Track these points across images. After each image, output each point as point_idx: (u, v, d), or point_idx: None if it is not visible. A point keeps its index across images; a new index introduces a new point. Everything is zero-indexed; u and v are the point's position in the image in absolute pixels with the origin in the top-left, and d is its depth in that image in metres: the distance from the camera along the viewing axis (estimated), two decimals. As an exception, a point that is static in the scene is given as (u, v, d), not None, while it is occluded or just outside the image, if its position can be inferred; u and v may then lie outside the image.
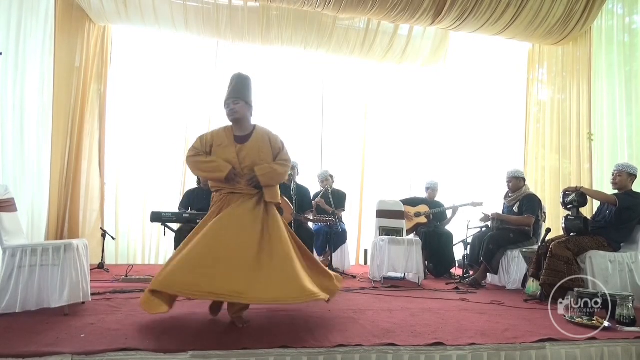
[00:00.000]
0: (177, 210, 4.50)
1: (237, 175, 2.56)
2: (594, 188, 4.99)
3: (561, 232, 3.91)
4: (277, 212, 2.66)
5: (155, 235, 5.63)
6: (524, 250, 4.06)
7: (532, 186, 5.58)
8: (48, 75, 4.59)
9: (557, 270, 3.41)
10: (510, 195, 4.61)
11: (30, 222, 4.27)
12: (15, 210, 2.92)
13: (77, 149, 5.25)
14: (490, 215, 4.59)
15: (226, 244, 2.35)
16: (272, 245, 2.44)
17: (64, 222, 5.12)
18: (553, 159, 5.84)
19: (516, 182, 4.56)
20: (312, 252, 4.52)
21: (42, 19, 4.46)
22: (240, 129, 2.67)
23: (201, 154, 2.65)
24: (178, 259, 2.38)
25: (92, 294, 3.11)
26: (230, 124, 2.69)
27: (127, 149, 5.76)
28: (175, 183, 5.77)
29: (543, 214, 4.64)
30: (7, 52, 3.85)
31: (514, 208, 4.50)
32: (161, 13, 5.28)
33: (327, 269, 2.90)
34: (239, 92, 2.64)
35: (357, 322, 2.60)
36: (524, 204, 4.42)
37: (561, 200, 3.93)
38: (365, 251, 6.33)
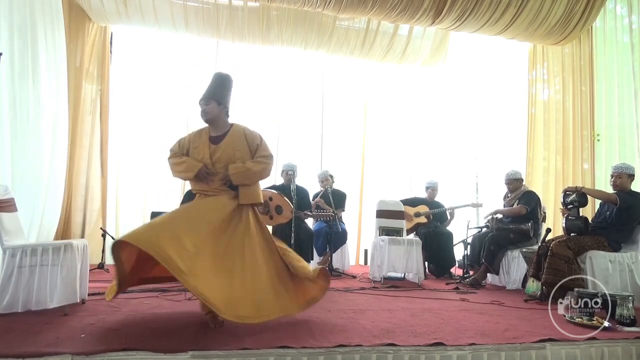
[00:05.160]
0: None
1: (209, 174, 2.55)
2: (597, 188, 4.99)
3: (562, 233, 3.91)
4: (251, 217, 2.58)
5: (156, 235, 5.62)
6: (524, 250, 4.07)
7: (535, 187, 5.56)
8: (47, 75, 4.59)
9: (558, 269, 3.41)
10: (509, 195, 4.64)
11: (39, 223, 4.26)
12: (15, 210, 2.92)
13: (77, 149, 5.24)
14: (491, 216, 4.63)
15: (194, 224, 2.34)
16: (233, 247, 2.41)
17: (68, 222, 5.12)
18: (555, 159, 5.84)
19: (516, 183, 4.60)
20: (312, 252, 4.54)
21: (49, 20, 4.47)
22: (215, 129, 2.66)
23: (177, 155, 2.67)
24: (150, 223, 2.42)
25: (92, 294, 3.12)
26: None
27: (128, 149, 5.75)
28: (176, 183, 5.76)
29: (543, 214, 4.64)
30: (21, 53, 3.89)
31: (513, 206, 4.52)
32: (161, 13, 5.28)
33: (307, 272, 2.67)
34: (212, 92, 2.65)
35: (357, 322, 2.60)
36: (521, 198, 4.48)
37: (561, 200, 3.93)
38: (365, 251, 6.33)
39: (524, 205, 4.39)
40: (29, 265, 2.59)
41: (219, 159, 2.58)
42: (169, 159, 2.71)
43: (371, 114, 6.65)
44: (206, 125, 2.69)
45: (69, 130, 4.94)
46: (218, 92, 2.66)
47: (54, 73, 4.51)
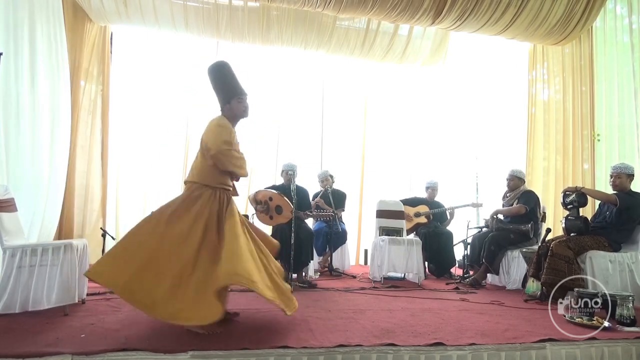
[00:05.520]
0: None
1: None
2: (597, 188, 4.99)
3: (562, 233, 3.91)
4: None
5: (155, 235, 5.62)
6: (524, 250, 4.07)
7: (535, 187, 5.56)
8: (47, 75, 4.59)
9: (558, 269, 3.42)
10: (508, 195, 4.64)
11: (39, 223, 4.25)
12: (15, 210, 2.92)
13: (77, 149, 5.24)
14: (491, 216, 4.63)
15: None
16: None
17: (68, 222, 5.11)
18: (555, 159, 5.83)
19: (517, 181, 4.60)
20: (312, 252, 4.54)
21: (49, 19, 4.47)
22: (235, 126, 2.64)
23: (236, 149, 2.54)
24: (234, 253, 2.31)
25: (92, 294, 3.13)
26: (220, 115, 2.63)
27: (128, 149, 5.74)
28: (176, 183, 5.77)
29: (543, 213, 4.64)
30: (21, 53, 3.90)
31: (512, 205, 4.53)
32: (161, 13, 5.27)
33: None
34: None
35: (357, 322, 2.60)
36: (521, 198, 4.49)
37: (561, 200, 3.93)
38: (365, 251, 6.33)
39: (523, 205, 4.40)
40: (28, 265, 2.59)
41: None
42: (229, 150, 2.45)
43: (371, 114, 6.64)
44: (221, 117, 2.61)
45: (69, 130, 4.94)
46: None
47: (54, 73, 4.50)
